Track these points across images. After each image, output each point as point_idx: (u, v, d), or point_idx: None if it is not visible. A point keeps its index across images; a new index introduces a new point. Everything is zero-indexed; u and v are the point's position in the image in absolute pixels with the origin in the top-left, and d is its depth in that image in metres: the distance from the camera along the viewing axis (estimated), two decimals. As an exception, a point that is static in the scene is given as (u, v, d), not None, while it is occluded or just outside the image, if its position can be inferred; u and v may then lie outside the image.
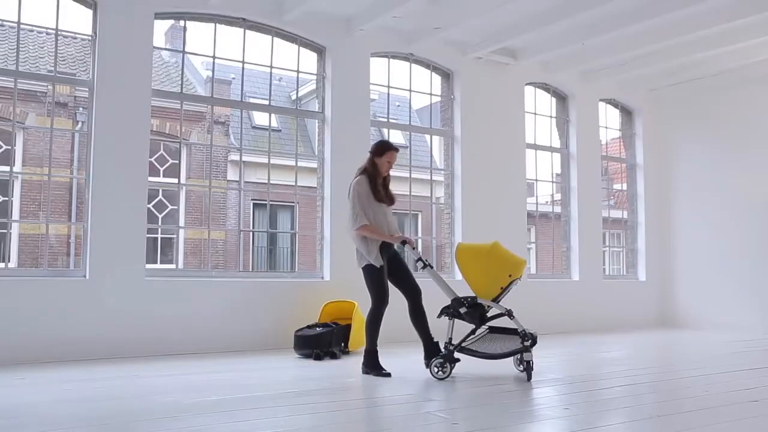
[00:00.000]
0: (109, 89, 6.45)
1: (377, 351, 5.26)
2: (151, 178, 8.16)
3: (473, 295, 5.00)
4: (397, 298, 5.36)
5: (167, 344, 6.37)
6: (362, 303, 6.81)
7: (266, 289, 7.15)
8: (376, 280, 5.26)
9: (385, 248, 5.30)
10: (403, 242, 5.30)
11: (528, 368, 4.86)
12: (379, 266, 5.22)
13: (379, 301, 5.28)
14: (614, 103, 10.34)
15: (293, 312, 6.95)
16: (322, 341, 6.31)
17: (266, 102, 12.27)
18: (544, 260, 16.63)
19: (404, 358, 5.82)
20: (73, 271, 6.79)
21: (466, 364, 5.14)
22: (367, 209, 5.25)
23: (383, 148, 5.43)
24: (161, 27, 16.65)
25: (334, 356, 6.30)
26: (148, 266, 6.82)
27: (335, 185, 7.62)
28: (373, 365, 5.22)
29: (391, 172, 8.17)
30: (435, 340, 5.27)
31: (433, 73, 8.72)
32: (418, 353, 5.35)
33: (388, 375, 5.10)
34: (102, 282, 6.24)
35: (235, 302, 6.87)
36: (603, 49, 8.43)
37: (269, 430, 3.51)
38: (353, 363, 5.90)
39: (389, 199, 5.44)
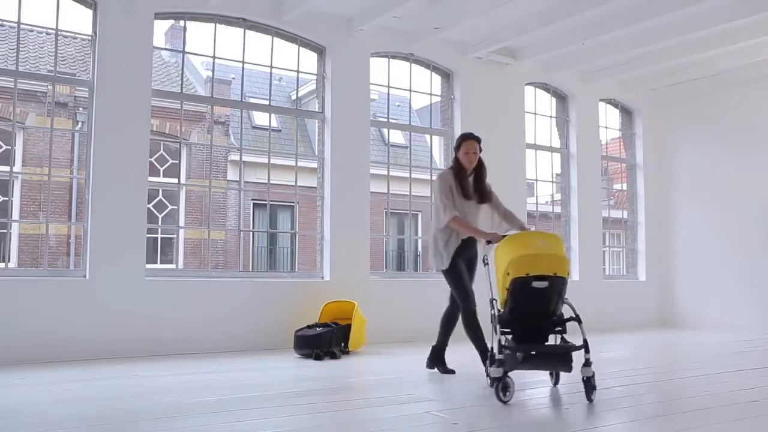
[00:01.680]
0: (109, 89, 6.45)
1: (445, 349, 5.20)
2: (151, 178, 8.16)
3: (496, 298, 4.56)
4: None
5: (167, 344, 6.37)
6: (362, 303, 6.83)
7: (266, 289, 7.14)
8: (453, 281, 5.02)
9: (465, 249, 5.02)
10: (488, 242, 4.78)
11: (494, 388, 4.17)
12: (445, 268, 4.99)
13: (466, 301, 4.98)
14: (614, 103, 10.34)
15: (293, 312, 6.95)
16: (322, 341, 6.31)
17: (266, 102, 12.27)
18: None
19: (404, 358, 5.83)
20: (73, 271, 6.79)
21: (465, 363, 5.13)
22: (455, 203, 4.95)
23: (459, 141, 5.14)
24: (161, 27, 16.67)
25: (334, 356, 6.30)
26: (148, 266, 6.82)
27: (335, 185, 7.63)
28: (439, 361, 5.20)
29: (392, 172, 8.32)
30: (445, 348, 5.22)
31: (433, 73, 8.72)
32: (417, 353, 5.35)
33: (452, 372, 5.10)
34: (102, 282, 6.24)
35: (235, 302, 6.87)
36: (603, 49, 8.43)
37: (269, 430, 3.51)
38: (353, 363, 5.90)
39: (480, 195, 5.08)
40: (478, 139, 5.13)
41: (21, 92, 12.29)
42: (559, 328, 4.28)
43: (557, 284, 4.18)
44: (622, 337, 8.44)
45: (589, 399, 4.09)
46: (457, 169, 5.06)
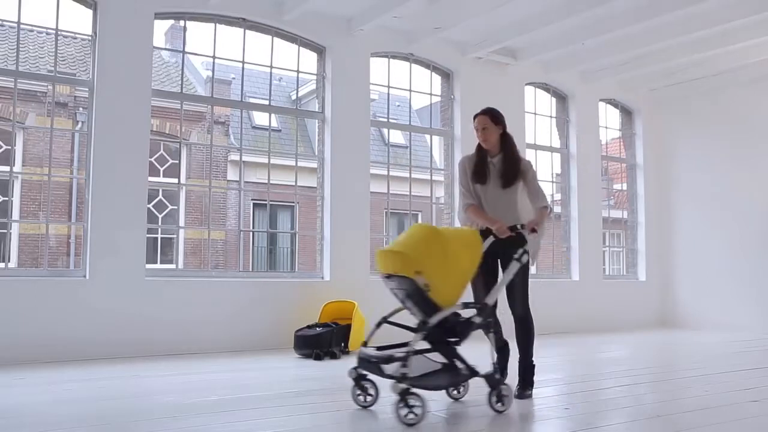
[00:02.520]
0: (109, 89, 6.45)
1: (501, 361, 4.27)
2: (151, 178, 8.16)
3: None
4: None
5: (167, 344, 6.37)
6: (362, 303, 6.83)
7: (266, 289, 7.15)
8: None
9: (486, 238, 4.23)
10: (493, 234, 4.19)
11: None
12: None
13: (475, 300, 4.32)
14: (614, 103, 10.34)
15: (293, 312, 6.95)
16: (322, 341, 6.32)
17: (266, 102, 12.27)
18: (544, 260, 16.62)
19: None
20: (73, 271, 6.79)
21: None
22: (472, 189, 4.44)
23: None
24: (161, 27, 16.65)
25: (334, 356, 6.30)
26: (148, 266, 6.83)
27: (335, 185, 7.63)
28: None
29: (392, 172, 8.31)
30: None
31: (433, 73, 8.72)
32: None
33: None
34: (102, 282, 6.24)
35: (235, 302, 6.87)
36: (603, 49, 8.43)
37: (269, 430, 3.51)
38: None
39: (501, 178, 4.38)
40: (486, 112, 4.48)
41: (21, 92, 12.27)
42: (456, 338, 3.76)
43: (402, 285, 3.67)
44: (622, 337, 8.44)
45: (401, 420, 3.44)
46: (475, 151, 4.52)
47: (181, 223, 15.82)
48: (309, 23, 7.57)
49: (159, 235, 15.77)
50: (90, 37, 6.68)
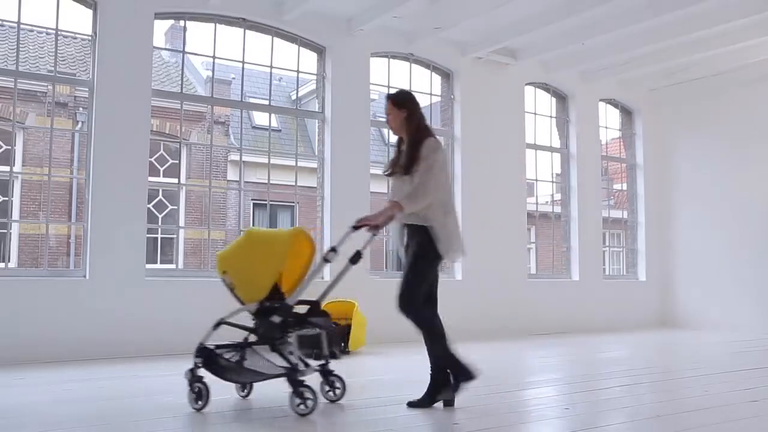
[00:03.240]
0: (109, 89, 6.45)
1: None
2: (151, 178, 8.16)
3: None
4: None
5: (167, 344, 6.35)
6: (362, 303, 6.83)
7: (266, 289, 7.12)
8: None
9: (405, 237, 4.16)
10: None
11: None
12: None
13: None
14: (614, 103, 10.34)
15: (293, 312, 6.93)
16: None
17: (266, 102, 12.27)
18: (544, 260, 16.62)
19: (404, 358, 5.82)
20: (73, 271, 6.79)
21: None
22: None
23: None
24: (161, 27, 16.64)
25: (333, 356, 6.29)
26: (148, 266, 6.82)
27: (335, 185, 7.63)
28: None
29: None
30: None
31: (433, 73, 8.72)
32: (417, 353, 5.32)
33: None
34: (102, 282, 6.24)
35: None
36: (603, 49, 8.44)
37: (269, 429, 3.50)
38: (353, 363, 5.90)
39: (401, 167, 3.97)
40: (389, 97, 4.16)
41: (21, 92, 12.27)
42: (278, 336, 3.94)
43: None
44: (622, 337, 8.44)
45: (191, 406, 3.80)
46: (397, 141, 4.16)
47: (181, 223, 15.82)
48: (309, 23, 7.57)
49: (159, 235, 15.77)
50: (90, 37, 6.68)
